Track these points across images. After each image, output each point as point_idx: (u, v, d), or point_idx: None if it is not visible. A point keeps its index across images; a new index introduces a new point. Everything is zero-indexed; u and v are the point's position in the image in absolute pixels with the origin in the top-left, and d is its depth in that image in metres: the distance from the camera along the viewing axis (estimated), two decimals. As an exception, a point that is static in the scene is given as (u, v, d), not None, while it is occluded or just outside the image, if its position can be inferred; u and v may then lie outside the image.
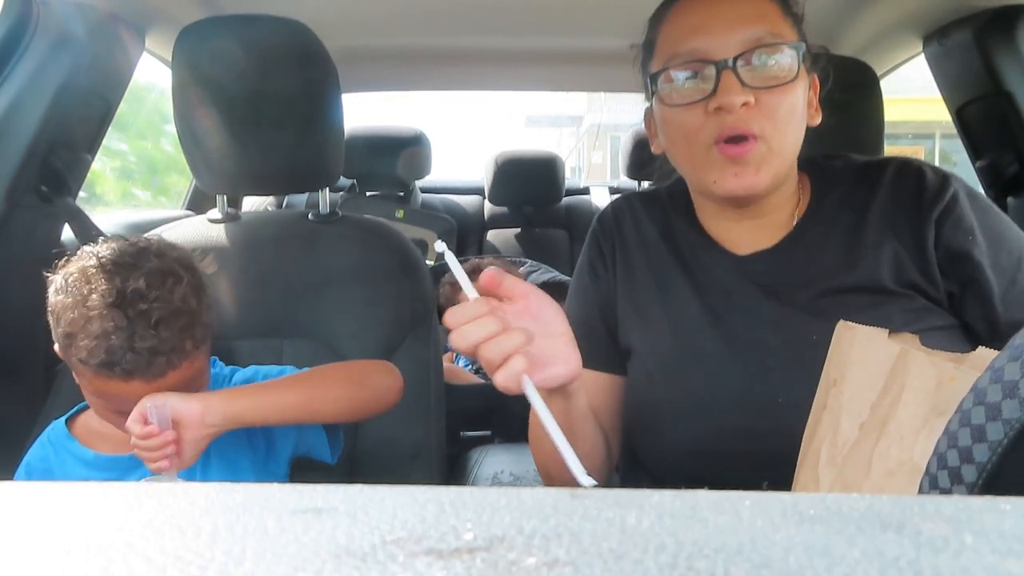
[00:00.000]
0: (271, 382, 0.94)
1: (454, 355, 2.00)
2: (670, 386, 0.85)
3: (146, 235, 0.97)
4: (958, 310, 0.81)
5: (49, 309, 0.86)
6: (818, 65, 0.86)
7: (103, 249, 0.87)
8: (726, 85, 0.77)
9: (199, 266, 0.94)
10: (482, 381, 1.84)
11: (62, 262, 0.88)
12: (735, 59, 0.77)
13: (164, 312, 0.83)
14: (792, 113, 0.79)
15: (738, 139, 0.77)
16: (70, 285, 0.84)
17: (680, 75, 0.81)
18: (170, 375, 0.84)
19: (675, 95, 0.81)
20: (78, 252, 0.89)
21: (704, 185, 0.82)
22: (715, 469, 0.80)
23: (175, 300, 0.85)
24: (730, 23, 0.78)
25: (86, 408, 0.99)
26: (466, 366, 1.93)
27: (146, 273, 0.84)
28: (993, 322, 0.79)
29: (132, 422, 0.81)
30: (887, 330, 0.65)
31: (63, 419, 0.99)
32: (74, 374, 0.88)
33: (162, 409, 0.81)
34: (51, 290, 0.86)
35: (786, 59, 0.78)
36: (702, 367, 0.83)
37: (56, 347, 0.87)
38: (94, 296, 0.82)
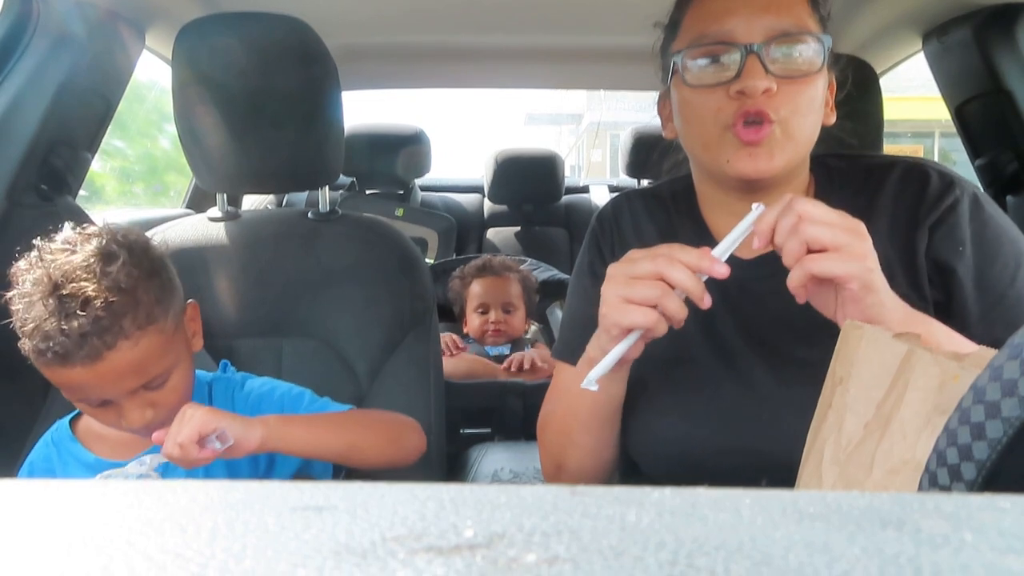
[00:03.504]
0: (321, 420, 0.96)
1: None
2: (662, 391, 0.84)
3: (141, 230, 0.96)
4: (943, 321, 0.80)
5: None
6: (837, 66, 0.85)
7: (49, 240, 0.88)
8: (750, 69, 0.76)
9: (152, 247, 0.92)
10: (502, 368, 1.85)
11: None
12: (761, 44, 0.77)
13: (92, 292, 0.81)
14: (811, 105, 0.79)
15: (755, 121, 0.77)
16: (14, 284, 0.85)
17: (704, 56, 0.80)
18: (109, 356, 0.82)
19: (697, 76, 0.80)
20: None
21: (717, 165, 0.81)
22: (708, 474, 0.80)
23: (108, 280, 0.83)
24: (760, 10, 0.78)
25: None
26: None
27: (81, 258, 0.84)
28: (972, 340, 0.76)
29: (189, 443, 0.80)
30: (893, 330, 0.65)
31: (67, 419, 0.99)
32: None
33: (224, 438, 0.81)
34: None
35: (810, 51, 0.78)
36: (693, 375, 0.82)
37: None
38: (28, 285, 0.83)
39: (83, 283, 0.81)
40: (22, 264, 0.86)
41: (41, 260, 0.84)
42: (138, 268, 0.87)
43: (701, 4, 0.83)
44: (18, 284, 0.85)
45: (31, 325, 0.81)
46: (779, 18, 0.78)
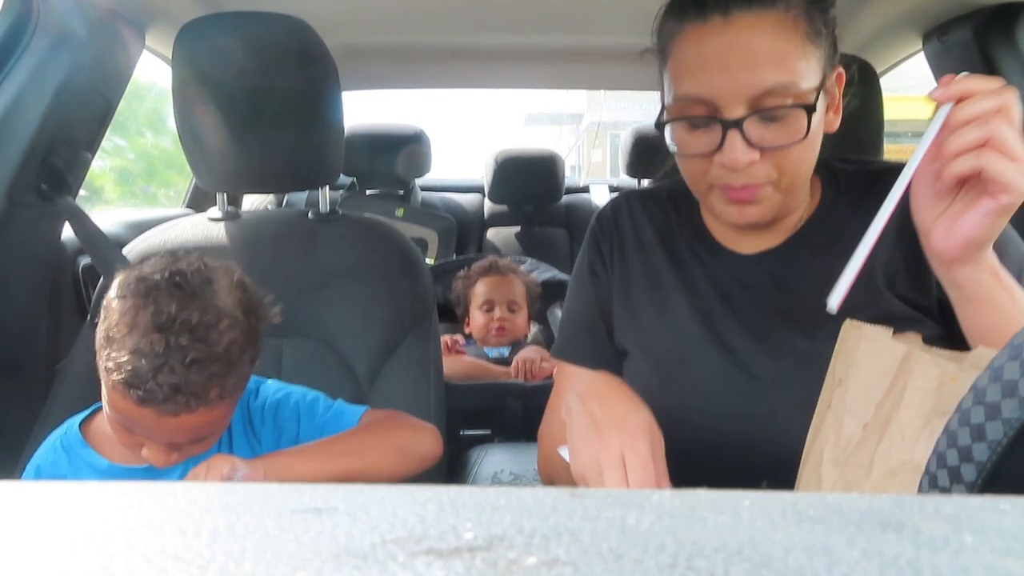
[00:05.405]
0: (319, 449, 0.92)
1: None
2: (662, 389, 0.84)
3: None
4: (948, 319, 0.79)
5: (104, 304, 0.84)
6: (843, 63, 0.83)
7: (177, 263, 0.85)
8: (731, 144, 0.73)
9: (265, 314, 0.90)
10: (507, 369, 1.85)
11: (142, 257, 0.86)
12: (742, 118, 0.72)
13: (202, 354, 0.79)
14: (803, 156, 0.77)
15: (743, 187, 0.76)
16: (130, 288, 0.82)
17: (684, 127, 0.77)
18: (183, 417, 0.80)
19: (681, 143, 0.78)
20: (159, 254, 0.87)
21: (708, 210, 0.81)
22: (709, 474, 0.80)
23: (220, 345, 0.81)
24: (743, 67, 0.72)
25: (100, 409, 0.98)
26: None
27: (202, 308, 0.81)
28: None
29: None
30: (892, 329, 0.65)
31: (77, 422, 0.97)
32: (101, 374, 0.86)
33: (237, 477, 0.81)
34: (114, 284, 0.84)
35: (798, 116, 0.73)
36: (693, 372, 0.82)
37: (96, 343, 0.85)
38: (144, 313, 0.80)
39: (197, 343, 0.79)
40: (139, 272, 0.83)
41: (164, 287, 0.81)
42: (246, 337, 0.85)
43: (684, 48, 0.77)
44: (129, 287, 0.81)
45: (124, 353, 0.78)
46: (766, 73, 0.72)
